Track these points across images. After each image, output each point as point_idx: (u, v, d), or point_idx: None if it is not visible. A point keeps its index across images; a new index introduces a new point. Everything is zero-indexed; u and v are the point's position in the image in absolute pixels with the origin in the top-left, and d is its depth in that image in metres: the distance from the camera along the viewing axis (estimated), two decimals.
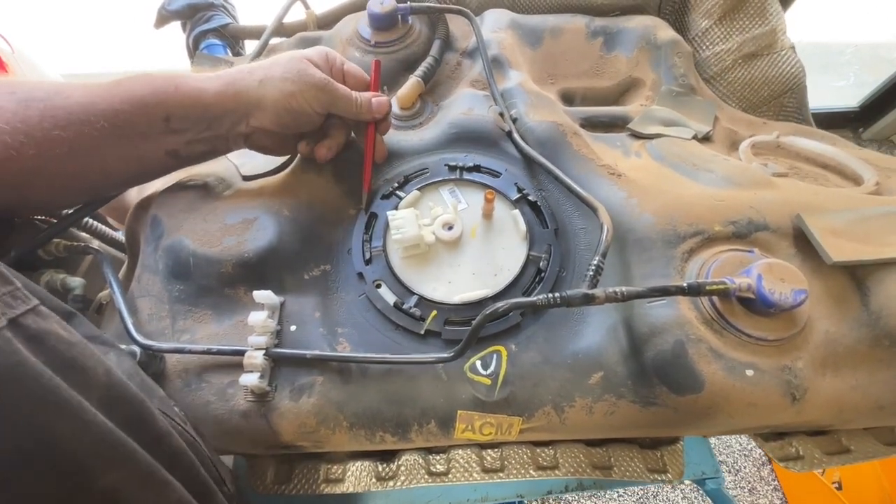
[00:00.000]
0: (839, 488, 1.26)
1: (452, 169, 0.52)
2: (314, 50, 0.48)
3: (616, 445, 0.51)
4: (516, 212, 0.49)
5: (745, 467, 1.53)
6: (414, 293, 0.45)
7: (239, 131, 0.46)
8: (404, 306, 0.45)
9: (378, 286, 0.46)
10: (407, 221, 0.46)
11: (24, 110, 0.37)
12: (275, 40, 0.69)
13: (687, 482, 0.75)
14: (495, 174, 0.52)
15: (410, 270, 0.47)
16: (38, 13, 1.86)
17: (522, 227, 0.48)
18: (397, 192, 0.51)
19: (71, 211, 0.49)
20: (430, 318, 0.44)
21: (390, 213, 0.47)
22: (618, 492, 1.45)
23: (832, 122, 2.14)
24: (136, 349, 0.42)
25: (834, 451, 0.49)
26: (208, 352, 0.43)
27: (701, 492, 1.46)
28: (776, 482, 1.49)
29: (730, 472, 1.53)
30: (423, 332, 0.44)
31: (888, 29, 2.24)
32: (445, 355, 0.40)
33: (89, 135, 0.39)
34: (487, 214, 0.49)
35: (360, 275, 0.47)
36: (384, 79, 0.61)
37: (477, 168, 0.52)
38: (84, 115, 0.39)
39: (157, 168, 0.47)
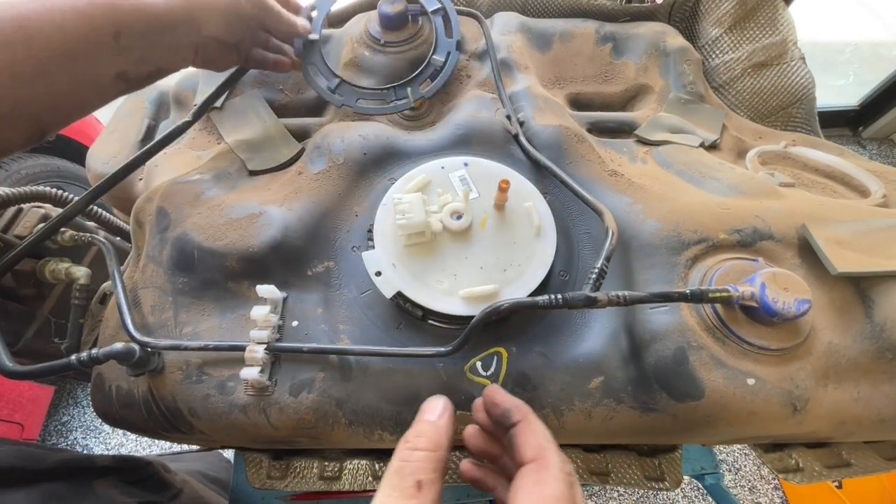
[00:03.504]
0: (839, 487, 1.25)
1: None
2: None
3: (614, 452, 0.51)
4: (530, 204, 0.46)
5: (745, 466, 1.53)
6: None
7: (189, 41, 0.45)
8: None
9: (378, 274, 0.44)
10: (413, 206, 0.43)
11: None
12: None
13: (686, 479, 0.74)
14: None
15: (413, 260, 0.44)
16: None
17: (536, 220, 0.45)
18: None
19: (75, 199, 0.49)
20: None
21: (396, 196, 0.44)
22: (618, 490, 1.45)
23: (832, 120, 2.14)
24: (135, 347, 0.42)
25: (834, 464, 0.49)
26: (205, 348, 0.43)
27: (701, 491, 1.46)
28: (776, 481, 1.48)
29: (730, 470, 1.52)
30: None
31: (888, 28, 2.23)
32: (443, 349, 0.40)
33: (34, 57, 0.35)
34: (500, 205, 0.46)
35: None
36: (393, 78, 0.61)
37: None
38: (21, 35, 0.34)
39: (107, 94, 0.43)
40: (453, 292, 0.42)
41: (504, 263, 0.44)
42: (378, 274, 0.43)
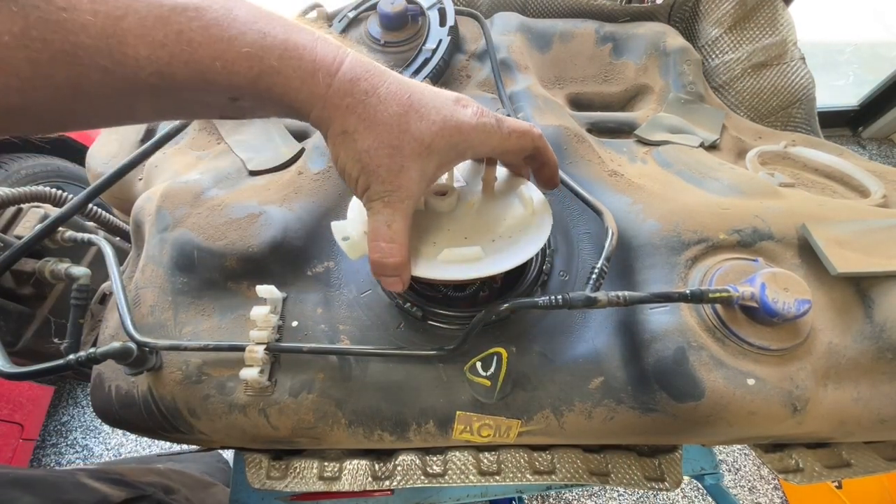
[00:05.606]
0: (839, 487, 1.25)
1: None
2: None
3: (614, 452, 0.51)
4: (522, 187, 0.41)
5: (745, 466, 1.53)
6: None
7: None
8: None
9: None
10: None
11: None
12: None
13: (686, 479, 0.74)
14: None
15: None
16: None
17: (527, 196, 0.40)
18: None
19: (74, 199, 0.49)
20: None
21: None
22: (618, 490, 1.45)
23: (832, 120, 2.15)
24: (132, 345, 0.42)
25: (834, 464, 0.49)
26: (205, 348, 0.43)
27: (701, 490, 1.46)
28: (776, 481, 1.49)
29: (730, 470, 1.52)
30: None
31: (888, 28, 2.24)
32: (443, 349, 0.40)
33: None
34: (489, 185, 0.41)
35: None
36: None
37: None
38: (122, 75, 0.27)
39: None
40: (432, 258, 0.37)
41: (493, 234, 0.39)
42: (345, 239, 0.38)
